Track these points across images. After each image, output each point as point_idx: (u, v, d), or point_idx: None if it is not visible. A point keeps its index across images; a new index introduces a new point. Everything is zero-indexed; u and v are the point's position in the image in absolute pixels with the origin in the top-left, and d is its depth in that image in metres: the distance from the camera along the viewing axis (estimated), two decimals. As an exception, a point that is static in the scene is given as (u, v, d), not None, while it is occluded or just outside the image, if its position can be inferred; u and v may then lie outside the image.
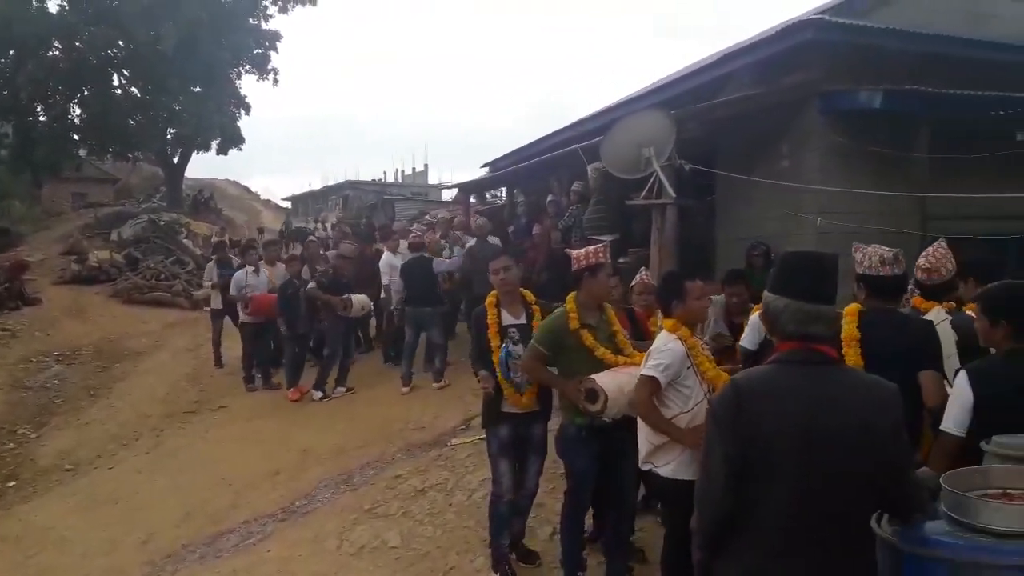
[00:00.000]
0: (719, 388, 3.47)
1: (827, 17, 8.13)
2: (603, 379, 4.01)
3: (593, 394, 3.97)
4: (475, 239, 10.64)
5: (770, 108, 8.41)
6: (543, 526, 5.03)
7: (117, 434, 9.32)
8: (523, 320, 4.67)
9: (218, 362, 11.39)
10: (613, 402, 3.92)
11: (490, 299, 4.69)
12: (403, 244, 10.53)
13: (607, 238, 9.50)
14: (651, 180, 7.79)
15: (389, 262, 10.37)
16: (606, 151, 8.05)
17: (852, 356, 3.54)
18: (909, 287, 4.33)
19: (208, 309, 11.78)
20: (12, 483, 8.18)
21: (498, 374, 4.52)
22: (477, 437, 6.42)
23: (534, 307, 4.75)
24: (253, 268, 10.32)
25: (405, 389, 9.08)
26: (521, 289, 4.87)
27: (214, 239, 20.20)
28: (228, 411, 9.48)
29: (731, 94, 8.86)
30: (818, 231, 7.92)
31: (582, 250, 4.35)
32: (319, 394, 9.40)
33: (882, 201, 7.76)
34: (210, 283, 11.29)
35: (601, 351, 4.18)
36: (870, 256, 3.88)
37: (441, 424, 7.53)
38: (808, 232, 8.24)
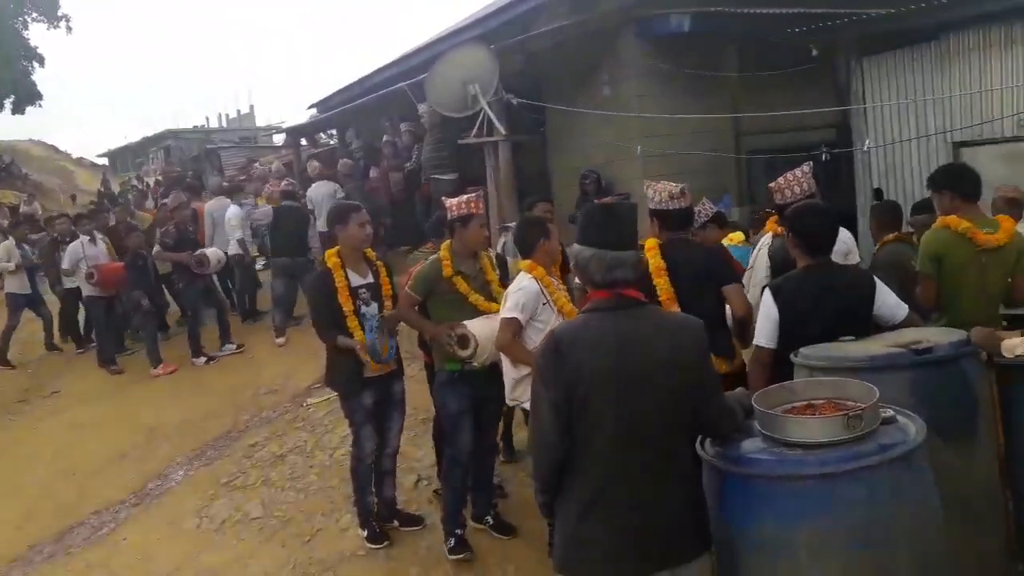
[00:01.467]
0: None
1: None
2: (474, 325, 4.10)
3: (464, 340, 4.05)
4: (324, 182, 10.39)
5: (589, 36, 8.56)
6: (407, 475, 5.11)
7: (-63, 435, 8.53)
8: (370, 279, 4.47)
9: (3, 360, 10.13)
10: (483, 348, 4.02)
11: (332, 259, 4.40)
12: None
13: (447, 177, 9.53)
14: (480, 117, 7.82)
15: (237, 214, 9.99)
16: (431, 91, 7.98)
17: (664, 285, 3.84)
18: (699, 219, 4.72)
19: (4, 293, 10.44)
20: None
21: (360, 338, 4.32)
22: (333, 394, 6.39)
23: (378, 264, 4.56)
24: (88, 237, 9.42)
25: (281, 340, 8.91)
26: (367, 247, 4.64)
27: (23, 208, 18.46)
28: (62, 396, 8.88)
29: (549, 24, 8.94)
30: (641, 157, 8.29)
31: (455, 199, 4.37)
32: (202, 359, 8.97)
33: (699, 121, 8.19)
34: (13, 264, 9.92)
35: (474, 297, 4.26)
36: (659, 192, 4.13)
37: (294, 385, 7.42)
38: (633, 158, 8.59)
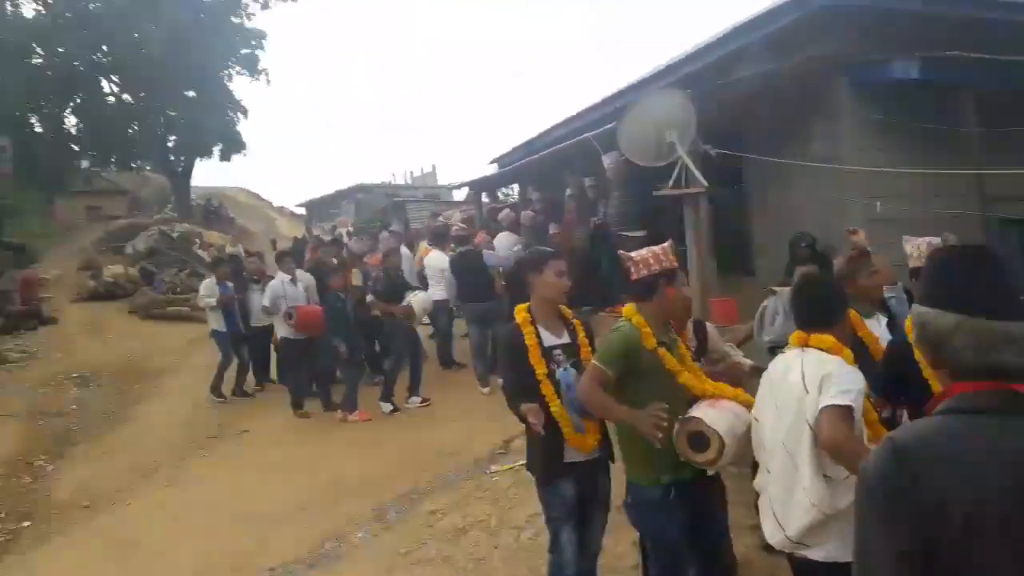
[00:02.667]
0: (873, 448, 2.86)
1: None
2: (707, 415, 3.21)
3: (702, 439, 3.16)
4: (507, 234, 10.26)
5: (793, 84, 7.90)
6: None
7: (136, 463, 8.95)
8: (566, 339, 3.80)
9: (218, 393, 10.51)
10: (728, 449, 3.16)
11: (522, 315, 3.79)
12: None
13: (636, 234, 9.05)
14: (677, 168, 7.32)
15: (440, 264, 9.88)
16: (624, 138, 7.58)
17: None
18: None
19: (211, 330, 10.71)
20: (27, 523, 7.81)
21: (555, 408, 3.64)
22: (518, 463, 6.00)
23: (575, 322, 3.89)
24: (290, 277, 9.58)
25: (485, 390, 8.66)
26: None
27: (228, 249, 19.80)
28: (250, 436, 9.11)
29: (748, 71, 8.36)
30: (868, 218, 7.41)
31: (645, 251, 3.53)
32: (389, 407, 8.87)
33: (934, 181, 7.24)
34: (214, 300, 10.28)
35: (685, 376, 3.43)
36: (920, 247, 3.46)
37: (476, 448, 7.08)
38: (856, 219, 7.72)
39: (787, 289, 4.85)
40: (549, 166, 12.02)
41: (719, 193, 8.29)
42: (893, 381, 3.31)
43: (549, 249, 4.40)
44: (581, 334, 3.84)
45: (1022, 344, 1.52)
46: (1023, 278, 1.69)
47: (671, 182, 7.43)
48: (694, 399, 3.47)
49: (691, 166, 7.26)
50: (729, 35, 8.75)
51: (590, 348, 3.80)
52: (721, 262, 8.03)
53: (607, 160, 9.15)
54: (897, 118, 7.50)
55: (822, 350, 2.89)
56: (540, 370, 3.67)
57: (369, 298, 9.39)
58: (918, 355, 3.02)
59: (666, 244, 3.60)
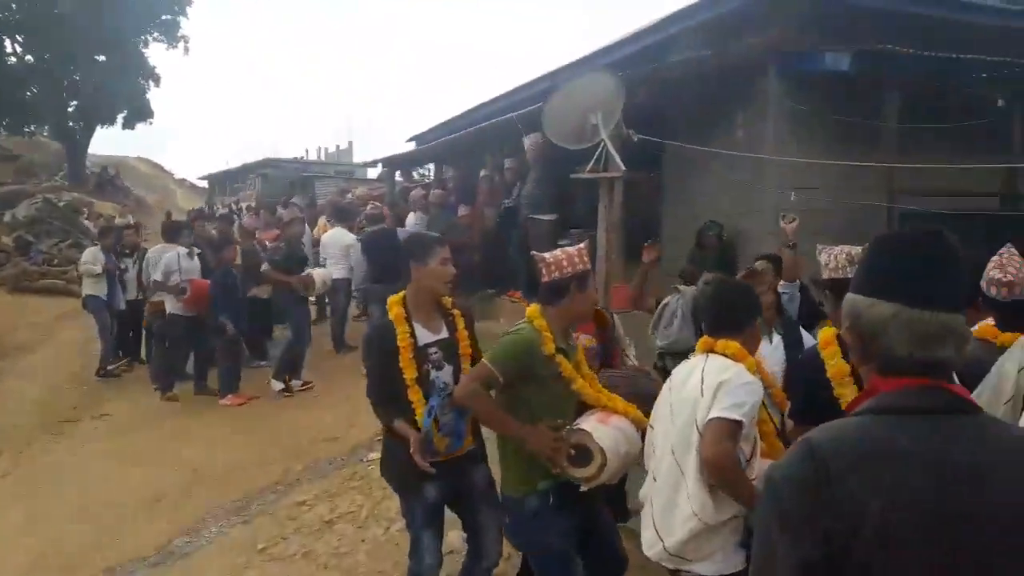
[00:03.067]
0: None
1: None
2: (597, 431, 2.91)
3: (585, 453, 2.85)
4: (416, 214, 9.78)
5: (724, 72, 7.58)
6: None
7: (-22, 449, 7.95)
8: (444, 334, 3.35)
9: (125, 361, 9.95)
10: (611, 465, 2.87)
11: (395, 308, 3.31)
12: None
13: (546, 218, 8.61)
14: (598, 151, 6.89)
15: (341, 241, 9.42)
16: (548, 118, 7.10)
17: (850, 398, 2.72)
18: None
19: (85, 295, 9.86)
20: None
21: (426, 427, 3.16)
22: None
23: (454, 313, 3.43)
24: (187, 250, 8.82)
25: None
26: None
27: (117, 220, 18.50)
28: (111, 420, 8.20)
29: (681, 56, 8.02)
30: (781, 208, 7.15)
31: (559, 252, 3.17)
32: (280, 385, 8.27)
33: (847, 174, 7.05)
34: (98, 267, 9.51)
35: (580, 384, 3.10)
36: (836, 257, 3.14)
37: (356, 434, 6.45)
38: (768, 209, 7.47)
39: (691, 289, 4.49)
40: (469, 146, 11.47)
41: (636, 178, 7.90)
42: (813, 405, 2.94)
43: (434, 235, 4.02)
44: (460, 326, 3.40)
45: (959, 339, 1.38)
46: (966, 267, 1.47)
47: (590, 165, 6.99)
48: (583, 408, 3.16)
49: (612, 150, 6.84)
50: (667, 19, 8.38)
51: (471, 341, 3.42)
52: (630, 247, 7.65)
53: (528, 141, 8.69)
54: (821, 110, 7.27)
55: (726, 356, 2.70)
56: (409, 374, 3.21)
57: (264, 267, 8.77)
58: (832, 369, 2.82)
59: (582, 245, 3.23)
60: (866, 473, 1.27)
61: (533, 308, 3.15)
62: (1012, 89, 6.60)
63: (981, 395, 3.12)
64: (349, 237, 9.79)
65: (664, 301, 4.72)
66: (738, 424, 2.50)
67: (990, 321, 3.09)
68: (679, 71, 7.41)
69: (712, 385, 2.57)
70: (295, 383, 8.36)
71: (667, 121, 8.58)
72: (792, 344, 3.97)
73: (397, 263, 8.69)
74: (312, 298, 9.71)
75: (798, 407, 3.06)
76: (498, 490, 3.27)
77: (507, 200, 9.40)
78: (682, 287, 4.69)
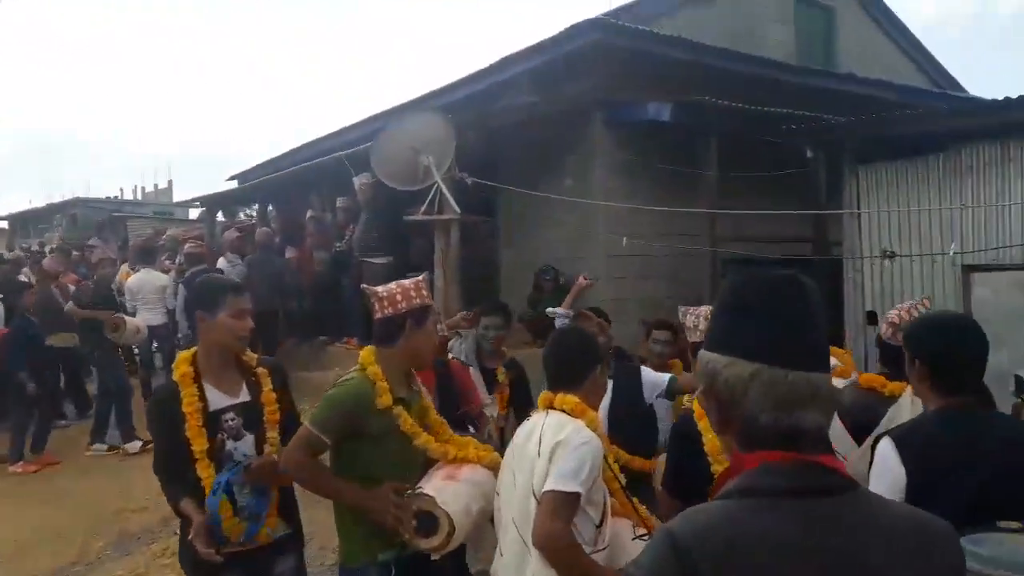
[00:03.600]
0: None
1: (613, 20, 7.55)
2: (443, 492, 2.61)
3: (430, 520, 2.56)
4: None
5: (555, 119, 7.70)
6: None
7: None
8: (244, 396, 2.84)
9: None
10: (461, 528, 2.58)
11: (182, 368, 2.81)
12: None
13: (379, 260, 8.31)
14: (431, 193, 6.72)
15: (154, 283, 8.80)
16: (378, 158, 6.86)
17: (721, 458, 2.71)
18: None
19: None
20: None
21: (210, 508, 2.65)
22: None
23: (258, 373, 2.89)
24: None
25: None
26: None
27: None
28: None
29: (512, 102, 8.08)
30: (613, 254, 7.32)
31: (393, 285, 2.86)
32: (103, 447, 7.61)
33: (673, 221, 7.32)
34: None
35: (423, 440, 2.79)
36: (701, 318, 3.15)
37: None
38: (599, 254, 7.61)
39: (472, 332, 4.37)
40: (295, 186, 10.94)
41: (471, 222, 7.81)
42: (684, 477, 2.85)
43: (229, 280, 3.46)
44: (266, 387, 2.87)
45: (827, 401, 1.21)
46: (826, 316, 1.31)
47: (423, 207, 6.80)
48: (433, 461, 2.84)
49: (446, 192, 6.70)
50: (497, 65, 8.42)
51: (279, 407, 2.88)
52: (469, 292, 7.53)
53: (358, 181, 8.39)
54: (646, 158, 7.52)
55: (564, 411, 2.48)
56: (198, 445, 2.70)
57: (69, 305, 8.00)
58: (710, 444, 2.72)
59: (419, 278, 2.95)
60: (737, 569, 1.11)
61: (367, 352, 2.82)
62: (816, 141, 7.08)
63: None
64: (163, 278, 9.09)
65: (449, 345, 4.46)
66: (574, 496, 2.27)
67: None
68: (508, 116, 7.42)
69: (549, 446, 2.36)
70: (133, 444, 7.55)
71: (501, 166, 8.60)
72: (622, 387, 3.83)
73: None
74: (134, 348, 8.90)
75: (669, 478, 2.95)
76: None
77: (339, 243, 9.00)
78: (464, 331, 4.47)
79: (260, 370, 2.91)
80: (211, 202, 13.22)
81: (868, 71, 9.75)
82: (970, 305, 6.24)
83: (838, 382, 3.96)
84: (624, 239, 6.61)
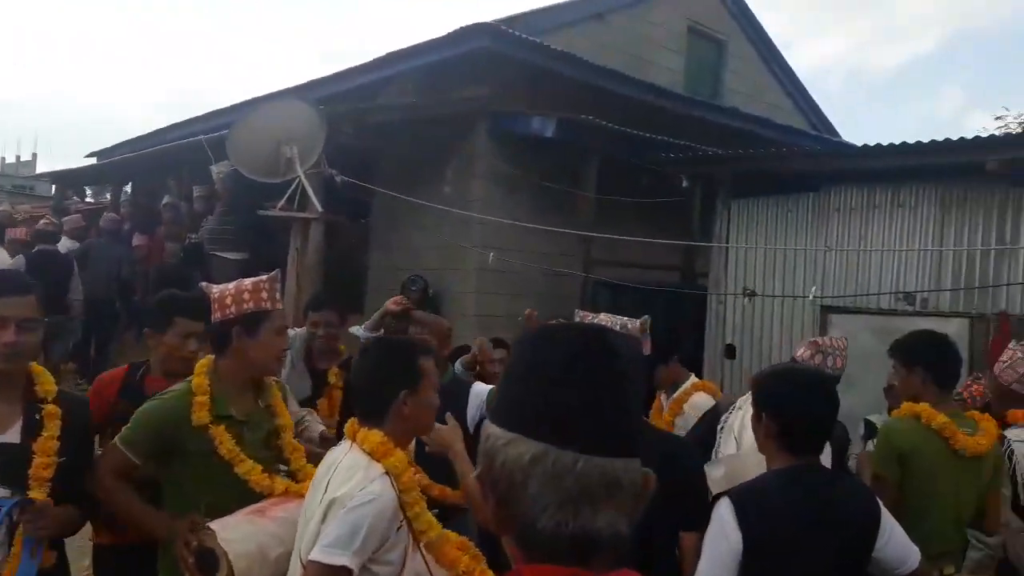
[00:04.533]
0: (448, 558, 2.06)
1: (504, 28, 7.31)
2: (230, 531, 2.20)
3: (209, 558, 2.17)
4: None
5: (437, 123, 7.38)
6: None
7: None
8: (13, 436, 2.19)
9: None
10: (250, 573, 2.17)
11: None
12: None
13: (232, 256, 7.73)
14: (292, 187, 6.24)
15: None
16: (235, 145, 6.32)
17: None
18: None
19: None
20: None
21: None
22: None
23: (48, 406, 2.25)
24: None
25: None
26: (30, 362, 2.30)
27: None
28: None
29: (394, 100, 7.71)
30: (481, 267, 7.05)
31: (231, 284, 2.52)
32: None
33: (548, 240, 7.13)
34: None
35: (247, 467, 2.39)
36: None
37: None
38: (472, 268, 7.32)
39: (301, 332, 3.91)
40: (155, 170, 10.14)
41: (340, 223, 7.38)
42: None
43: (10, 272, 2.87)
44: (51, 427, 2.21)
45: (629, 498, 0.91)
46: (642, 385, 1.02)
47: (281, 202, 6.32)
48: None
49: (308, 188, 6.23)
50: (380, 61, 8.01)
51: (60, 440, 2.22)
52: (333, 296, 7.09)
53: (216, 169, 7.79)
54: (527, 173, 7.32)
55: (364, 451, 2.04)
56: None
57: None
58: None
59: (265, 278, 2.54)
60: None
61: (203, 360, 2.51)
62: (693, 171, 7.06)
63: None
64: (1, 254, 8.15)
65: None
66: (342, 570, 1.86)
67: None
68: (387, 115, 7.04)
69: (329, 498, 1.95)
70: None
71: (378, 167, 8.20)
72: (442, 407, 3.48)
73: (67, 293, 7.41)
74: None
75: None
76: None
77: (192, 234, 8.34)
78: (295, 329, 4.02)
79: (49, 407, 2.24)
80: (63, 179, 12.14)
81: (752, 107, 9.95)
82: (826, 345, 6.35)
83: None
84: (491, 254, 6.33)
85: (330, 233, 7.22)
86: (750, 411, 3.13)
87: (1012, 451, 3.06)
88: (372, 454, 2.03)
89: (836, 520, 2.06)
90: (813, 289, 5.78)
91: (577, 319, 3.04)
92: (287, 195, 6.24)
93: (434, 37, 7.38)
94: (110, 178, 11.82)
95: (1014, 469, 3.05)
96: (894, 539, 2.12)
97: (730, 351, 6.89)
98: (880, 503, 2.18)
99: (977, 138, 5.46)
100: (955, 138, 5.48)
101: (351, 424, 2.16)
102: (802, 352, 3.22)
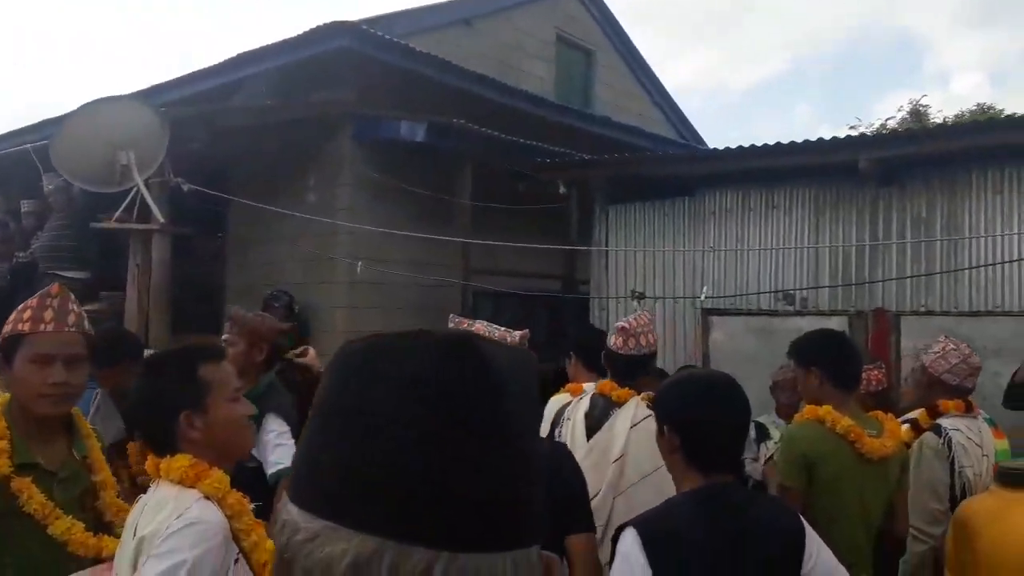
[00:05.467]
0: None
1: (364, 27, 6.89)
2: None
3: None
4: None
5: (297, 128, 6.85)
6: None
7: None
8: None
9: None
10: None
11: None
12: None
13: (71, 275, 6.89)
14: (130, 197, 5.58)
15: None
16: (61, 152, 5.57)
17: None
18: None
19: None
20: None
21: None
22: None
23: None
24: None
25: None
26: None
27: None
28: None
29: (247, 103, 7.12)
30: (352, 280, 6.58)
31: (36, 298, 2.05)
32: None
33: (426, 248, 6.75)
34: None
35: (64, 526, 1.92)
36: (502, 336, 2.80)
37: None
38: (340, 280, 6.83)
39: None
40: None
41: (189, 236, 6.71)
42: None
43: None
44: None
45: None
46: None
47: (117, 213, 5.64)
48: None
49: (148, 197, 5.58)
50: (230, 62, 7.39)
51: None
52: (185, 315, 6.45)
53: (47, 182, 6.95)
54: (397, 180, 6.92)
55: (172, 482, 1.61)
56: None
57: None
58: None
59: (41, 292, 2.06)
60: None
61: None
62: (569, 177, 6.86)
63: (591, 452, 2.89)
64: None
65: None
66: None
67: None
68: (240, 119, 6.46)
69: (136, 541, 1.54)
70: None
71: (234, 176, 7.57)
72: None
73: None
74: None
75: None
76: None
77: (22, 253, 7.40)
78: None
79: None
80: None
81: (622, 116, 9.94)
82: (708, 346, 6.28)
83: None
84: (359, 264, 5.89)
85: (181, 248, 6.56)
86: (579, 417, 3.00)
87: (950, 439, 2.98)
88: (182, 481, 1.58)
89: (756, 547, 1.80)
90: (704, 290, 5.67)
91: (452, 326, 2.68)
92: (123, 205, 5.55)
93: (290, 36, 6.86)
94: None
95: (952, 459, 2.97)
96: (821, 562, 1.88)
97: (611, 357, 6.73)
98: (804, 523, 1.93)
99: (849, 137, 5.53)
100: (827, 138, 5.52)
101: (151, 461, 1.69)
102: (615, 341, 3.05)
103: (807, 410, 2.77)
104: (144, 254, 5.79)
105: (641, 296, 6.48)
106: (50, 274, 6.89)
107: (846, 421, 2.67)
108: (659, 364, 6.41)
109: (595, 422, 2.97)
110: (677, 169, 6.22)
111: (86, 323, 2.08)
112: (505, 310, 7.45)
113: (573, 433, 2.98)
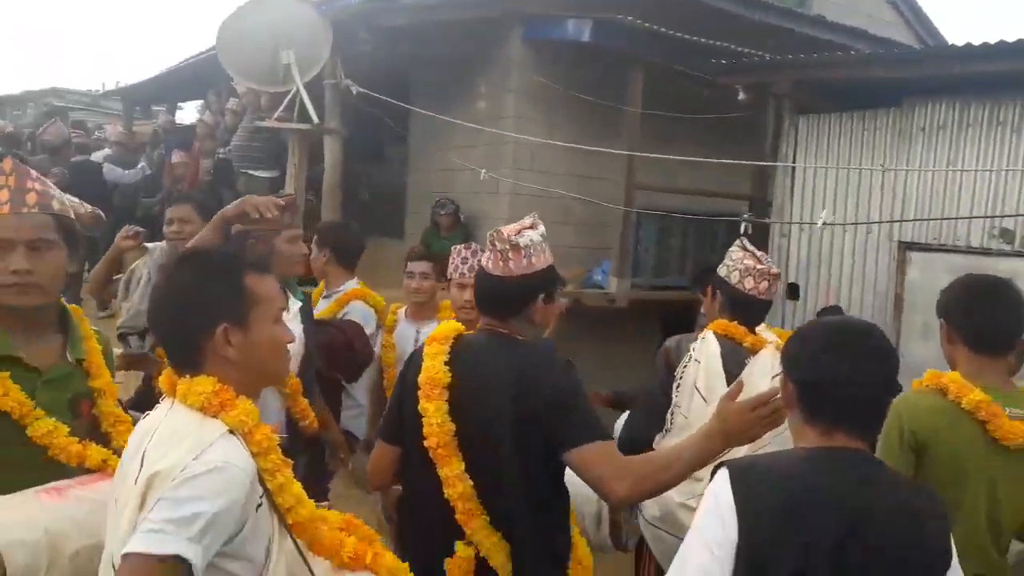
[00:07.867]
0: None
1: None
2: (17, 511, 1.63)
3: None
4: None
5: (467, 26, 6.58)
6: None
7: None
8: None
9: None
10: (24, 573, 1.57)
11: None
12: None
13: (262, 174, 7.33)
14: (288, 97, 5.70)
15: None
16: (227, 51, 5.73)
17: (437, 417, 2.05)
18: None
19: None
20: None
21: None
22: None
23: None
24: None
25: None
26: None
27: None
28: None
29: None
30: (510, 194, 6.38)
31: None
32: None
33: (589, 160, 6.32)
34: None
35: (45, 428, 1.77)
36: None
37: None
38: (504, 191, 6.63)
39: (160, 246, 3.28)
40: (197, 85, 9.84)
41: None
42: (394, 419, 2.25)
43: None
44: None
45: None
46: None
47: (277, 112, 5.79)
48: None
49: (305, 97, 5.65)
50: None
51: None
52: (373, 221, 6.63)
53: (239, 80, 7.33)
54: (564, 86, 6.50)
55: (191, 408, 1.41)
56: None
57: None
58: (425, 373, 2.09)
59: (3, 164, 1.85)
60: None
61: None
62: (752, 83, 6.05)
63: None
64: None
65: (133, 264, 3.40)
66: (171, 566, 1.25)
67: None
68: (406, 17, 6.29)
69: (147, 474, 1.33)
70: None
71: (412, 83, 7.55)
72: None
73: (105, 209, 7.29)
74: None
75: (383, 424, 2.28)
76: None
77: (223, 150, 7.96)
78: (151, 244, 3.36)
79: None
80: (127, 95, 12.08)
81: (849, 19, 8.55)
82: (903, 287, 5.40)
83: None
84: (483, 172, 5.63)
85: (366, 152, 6.69)
86: (713, 362, 2.51)
87: None
88: (204, 410, 1.40)
89: (878, 537, 1.41)
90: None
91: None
92: (283, 104, 5.68)
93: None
94: (167, 96, 11.64)
95: None
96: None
97: (793, 291, 6.01)
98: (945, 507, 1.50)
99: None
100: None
101: (166, 376, 1.52)
102: (757, 286, 2.70)
103: (928, 375, 2.15)
104: (299, 154, 5.93)
105: (827, 224, 5.65)
106: (244, 172, 7.38)
107: (977, 394, 2.04)
108: (844, 305, 5.67)
109: (731, 369, 2.57)
110: (879, 73, 5.22)
111: (55, 202, 1.85)
112: (673, 228, 6.92)
113: (708, 377, 2.59)
